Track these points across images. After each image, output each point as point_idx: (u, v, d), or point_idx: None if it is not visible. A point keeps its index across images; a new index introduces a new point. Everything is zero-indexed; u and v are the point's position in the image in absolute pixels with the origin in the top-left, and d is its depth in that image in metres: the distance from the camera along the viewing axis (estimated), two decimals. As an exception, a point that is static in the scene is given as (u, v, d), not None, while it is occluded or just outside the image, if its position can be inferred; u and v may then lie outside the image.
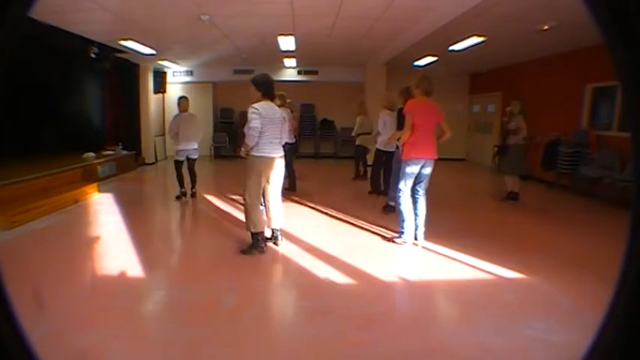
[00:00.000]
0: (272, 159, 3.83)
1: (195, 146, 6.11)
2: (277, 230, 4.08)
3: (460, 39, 6.63)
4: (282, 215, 4.12)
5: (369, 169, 7.67)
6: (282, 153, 3.93)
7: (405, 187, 4.08)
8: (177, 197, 6.12)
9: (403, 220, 4.12)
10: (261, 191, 3.90)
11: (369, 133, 7.44)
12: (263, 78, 3.81)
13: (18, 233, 4.39)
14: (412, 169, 4.02)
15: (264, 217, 4.06)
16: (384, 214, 5.33)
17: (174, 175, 6.13)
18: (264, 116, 3.67)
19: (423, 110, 4.02)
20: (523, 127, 5.90)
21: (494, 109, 10.38)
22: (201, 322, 2.59)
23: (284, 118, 3.97)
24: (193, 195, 6.25)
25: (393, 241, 4.20)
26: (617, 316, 0.53)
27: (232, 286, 3.15)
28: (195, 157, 6.19)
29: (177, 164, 6.09)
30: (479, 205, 6.26)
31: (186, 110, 6.06)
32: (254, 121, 3.64)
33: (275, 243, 4.07)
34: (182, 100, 6.10)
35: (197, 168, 6.30)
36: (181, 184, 6.10)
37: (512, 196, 6.16)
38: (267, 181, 3.91)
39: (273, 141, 3.81)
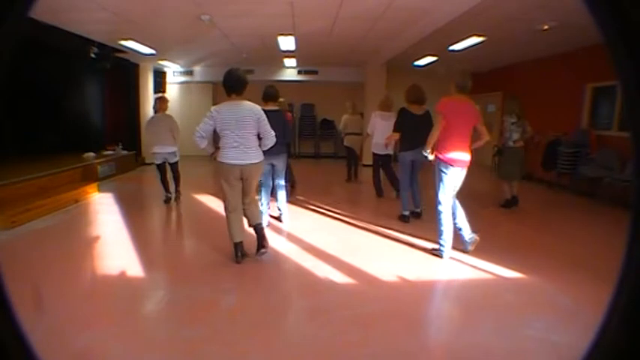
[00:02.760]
0: (229, 166, 3.38)
1: (171, 150, 5.74)
2: (260, 229, 3.61)
3: (460, 39, 6.63)
4: (259, 212, 3.78)
5: (361, 173, 7.83)
6: (252, 160, 3.42)
7: (445, 198, 3.67)
8: (165, 201, 5.93)
9: (442, 233, 3.73)
10: (238, 200, 3.53)
11: (359, 134, 7.44)
12: (224, 76, 3.40)
13: (18, 233, 4.39)
14: (450, 177, 3.63)
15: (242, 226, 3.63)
16: (402, 222, 4.97)
17: (158, 182, 5.93)
18: (217, 119, 3.30)
19: (455, 109, 3.56)
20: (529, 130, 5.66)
21: (495, 109, 10.39)
22: (201, 322, 2.59)
23: (258, 118, 3.39)
24: (177, 197, 6.07)
25: (437, 255, 3.79)
26: (617, 316, 0.53)
27: (232, 285, 3.16)
28: (173, 160, 5.86)
29: (158, 167, 5.83)
30: (478, 205, 6.25)
31: (161, 111, 5.76)
32: (200, 125, 3.34)
33: (261, 252, 3.60)
34: (159, 101, 5.83)
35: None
36: (165, 188, 5.91)
37: (514, 202, 5.89)
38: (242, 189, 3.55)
39: (236, 145, 3.34)
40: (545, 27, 5.65)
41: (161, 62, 9.87)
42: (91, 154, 7.89)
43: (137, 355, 2.27)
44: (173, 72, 11.26)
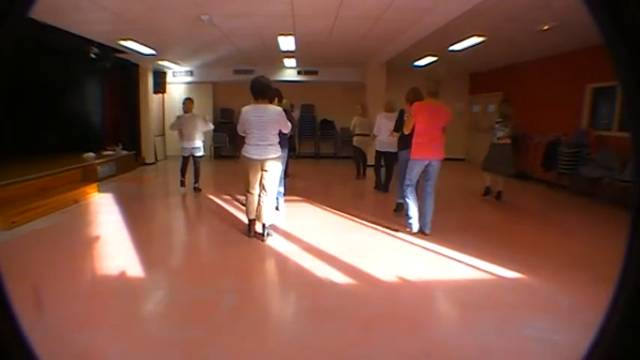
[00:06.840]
0: (251, 160, 3.97)
1: (197, 144, 6.54)
2: (267, 227, 4.15)
3: (460, 39, 6.63)
4: (272, 213, 4.23)
5: (367, 170, 7.92)
6: (270, 155, 3.98)
7: (410, 181, 4.34)
8: (181, 184, 6.71)
9: (408, 210, 4.38)
10: (255, 186, 4.10)
11: (367, 135, 7.50)
12: (251, 83, 3.97)
13: (18, 233, 4.39)
14: (416, 168, 4.27)
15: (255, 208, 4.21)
16: (395, 215, 5.26)
17: (178, 170, 6.77)
18: (244, 119, 3.92)
19: (427, 112, 4.11)
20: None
21: (495, 109, 10.39)
22: (201, 322, 2.59)
23: (278, 120, 3.98)
24: (196, 189, 6.70)
25: (408, 230, 4.39)
26: (617, 316, 0.53)
27: (232, 286, 3.15)
28: (199, 154, 6.62)
29: (183, 159, 6.69)
30: (478, 206, 6.26)
31: (189, 111, 6.59)
32: (238, 125, 4.08)
33: (262, 239, 4.15)
34: (187, 102, 6.68)
35: (202, 166, 6.59)
36: (182, 173, 6.67)
37: (497, 195, 6.24)
38: (259, 180, 4.08)
39: (258, 143, 3.92)
40: (546, 27, 5.65)
41: (161, 62, 9.86)
42: (91, 154, 7.89)
43: (137, 355, 2.27)
44: (173, 72, 11.25)
